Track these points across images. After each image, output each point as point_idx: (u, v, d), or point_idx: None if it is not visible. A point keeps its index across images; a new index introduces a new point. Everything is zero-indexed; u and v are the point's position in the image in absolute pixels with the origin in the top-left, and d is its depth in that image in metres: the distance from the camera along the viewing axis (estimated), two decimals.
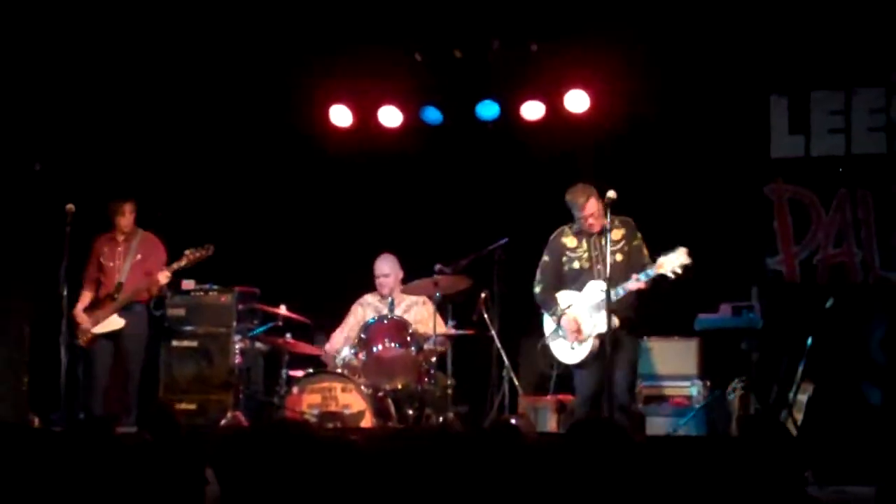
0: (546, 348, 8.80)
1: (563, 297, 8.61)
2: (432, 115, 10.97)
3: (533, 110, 10.76)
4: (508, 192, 10.77)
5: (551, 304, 8.65)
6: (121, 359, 9.60)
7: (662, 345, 9.91)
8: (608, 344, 8.17)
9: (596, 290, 8.39)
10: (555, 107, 10.69)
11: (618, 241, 8.47)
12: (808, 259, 10.38)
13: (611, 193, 8.14)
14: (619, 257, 8.43)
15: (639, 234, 8.56)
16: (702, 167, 10.35)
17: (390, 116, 11.00)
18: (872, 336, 9.71)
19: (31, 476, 4.35)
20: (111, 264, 9.66)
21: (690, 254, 8.16)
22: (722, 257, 9.98)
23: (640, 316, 8.56)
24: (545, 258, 8.76)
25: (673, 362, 9.77)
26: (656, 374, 9.82)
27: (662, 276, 8.19)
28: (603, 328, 8.26)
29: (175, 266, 9.54)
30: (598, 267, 8.44)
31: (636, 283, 8.22)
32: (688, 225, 9.87)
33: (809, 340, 9.04)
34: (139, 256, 9.68)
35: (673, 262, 8.15)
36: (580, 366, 8.58)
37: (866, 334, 9.72)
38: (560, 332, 8.61)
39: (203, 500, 4.35)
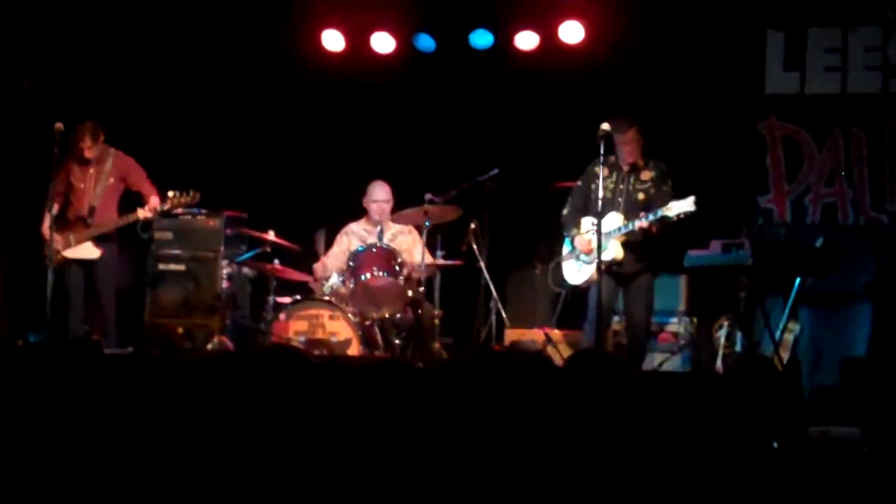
0: (558, 267, 9.09)
1: (586, 221, 8.84)
2: (425, 42, 10.88)
3: (527, 40, 10.68)
4: (500, 122, 10.70)
5: (570, 226, 8.95)
6: (94, 286, 9.41)
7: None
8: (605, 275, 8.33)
9: (611, 220, 8.60)
10: (549, 37, 10.61)
11: (645, 181, 8.77)
12: (799, 198, 10.35)
13: (604, 126, 8.08)
14: (640, 196, 8.72)
15: (669, 182, 8.74)
16: (695, 101, 10.29)
17: (383, 43, 10.91)
18: (859, 279, 9.74)
19: (24, 391, 4.33)
20: (81, 185, 9.41)
21: (698, 203, 8.26)
22: (713, 194, 9.94)
23: (653, 254, 8.72)
24: (578, 183, 9.00)
25: (661, 298, 9.76)
26: None
27: (666, 218, 8.34)
28: (609, 256, 8.48)
29: (158, 207, 9.37)
30: (620, 199, 8.70)
31: (640, 221, 8.44)
32: (680, 160, 9.81)
33: (797, 281, 9.05)
34: (111, 180, 9.43)
35: (681, 207, 8.30)
36: (585, 288, 8.85)
37: (854, 275, 9.75)
38: (574, 253, 8.91)
39: None
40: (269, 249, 9.69)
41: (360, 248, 9.43)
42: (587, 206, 8.87)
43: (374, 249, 9.37)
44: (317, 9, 10.81)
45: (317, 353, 8.78)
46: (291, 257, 9.81)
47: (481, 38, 10.80)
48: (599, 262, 8.11)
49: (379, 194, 9.86)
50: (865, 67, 10.17)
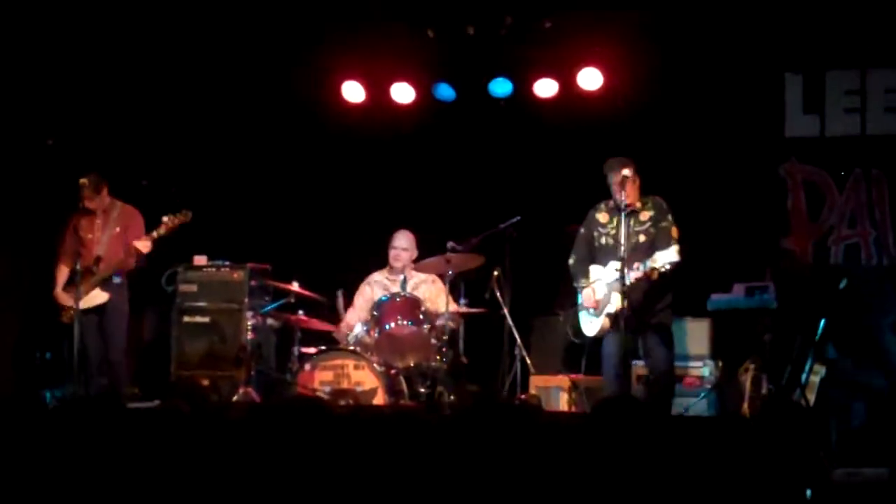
0: (576, 317, 8.94)
1: (594, 270, 8.78)
2: (445, 91, 10.94)
3: (546, 87, 10.73)
4: (521, 169, 10.75)
5: (579, 277, 8.86)
6: (104, 331, 9.37)
7: (675, 325, 9.87)
8: (621, 323, 8.33)
9: (612, 269, 8.51)
10: (568, 84, 10.65)
11: (644, 222, 8.65)
12: (822, 239, 10.34)
13: (625, 171, 8.13)
14: (642, 238, 8.59)
15: (670, 217, 8.64)
16: (716, 146, 10.31)
17: (403, 93, 10.97)
18: (885, 319, 9.70)
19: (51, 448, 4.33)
20: (89, 237, 9.44)
21: (681, 252, 8.20)
22: (735, 237, 9.96)
23: (661, 296, 8.62)
24: (581, 230, 8.93)
25: (686, 342, 9.75)
26: None
27: (654, 269, 8.28)
28: (613, 308, 8.48)
29: (154, 234, 9.35)
30: (622, 245, 8.47)
31: (635, 272, 8.33)
32: (701, 204, 9.85)
33: (822, 322, 9.02)
34: (117, 229, 9.46)
35: (665, 258, 8.22)
36: (598, 340, 8.76)
37: (878, 317, 9.71)
38: (583, 306, 8.81)
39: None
40: (293, 300, 9.72)
41: (383, 298, 9.45)
42: (591, 254, 8.85)
43: (397, 298, 9.39)
44: (337, 60, 10.88)
45: (342, 403, 8.78)
46: (316, 308, 9.83)
47: (500, 87, 10.85)
48: (619, 312, 8.20)
49: (400, 241, 9.90)
50: (885, 109, 10.19)
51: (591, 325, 8.81)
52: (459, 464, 3.80)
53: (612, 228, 8.68)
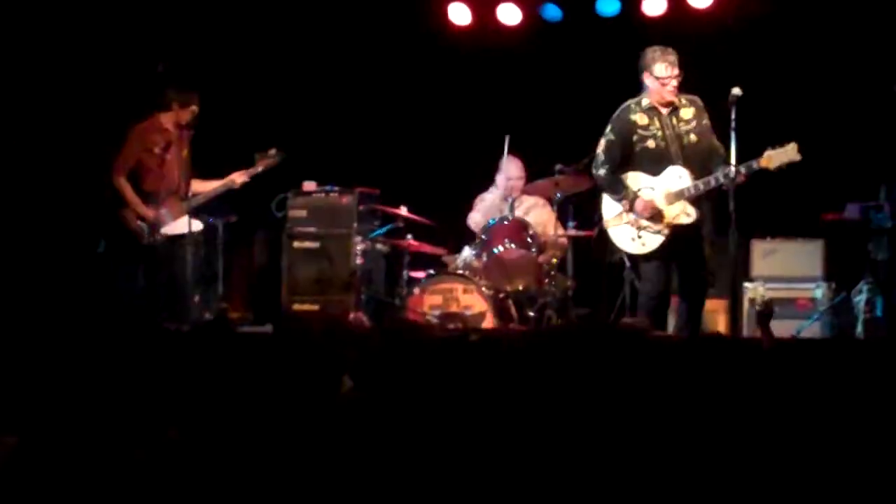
0: (604, 234, 8.38)
1: (634, 179, 8.12)
2: (552, 11, 10.85)
3: (655, 5, 10.56)
4: (629, 89, 10.58)
5: (619, 187, 8.11)
6: (188, 261, 9.06)
7: (786, 246, 9.78)
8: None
9: (675, 176, 7.98)
10: (677, 2, 10.48)
11: (689, 121, 8.06)
12: None
13: (736, 90, 7.77)
14: (692, 138, 8.04)
15: (706, 113, 8.10)
16: (829, 62, 10.08)
17: (509, 14, 10.89)
18: None
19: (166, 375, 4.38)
20: (169, 156, 9.18)
21: (801, 150, 7.70)
22: (850, 155, 9.75)
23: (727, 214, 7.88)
24: (610, 137, 8.17)
25: (797, 264, 9.62)
26: (780, 276, 9.68)
27: (761, 170, 7.73)
28: (683, 219, 7.95)
29: (252, 171, 9.29)
30: (675, 148, 8.00)
31: (740, 175, 7.65)
32: (815, 122, 9.66)
33: None
34: (185, 152, 9.17)
35: (782, 157, 7.67)
36: (648, 258, 8.11)
37: None
38: (626, 218, 8.10)
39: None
40: (401, 225, 9.79)
41: (491, 221, 9.44)
42: (628, 162, 8.10)
43: (505, 222, 9.38)
44: None
45: (451, 326, 8.82)
46: (424, 232, 9.87)
47: (608, 6, 10.73)
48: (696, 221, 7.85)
49: (512, 171, 9.84)
50: None
51: (636, 242, 8.05)
52: (558, 387, 3.78)
53: (657, 130, 8.01)
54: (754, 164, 7.71)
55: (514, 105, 10.86)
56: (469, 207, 10.08)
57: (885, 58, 10.07)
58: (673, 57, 8.04)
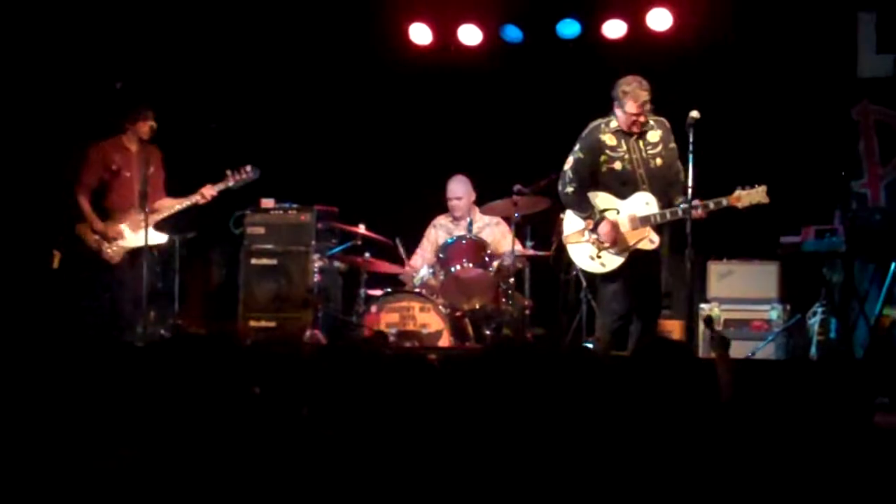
0: (562, 248, 8.43)
1: (602, 199, 8.14)
2: (512, 33, 10.89)
3: (615, 28, 10.63)
4: (588, 111, 10.63)
5: (586, 206, 8.10)
6: (141, 276, 8.94)
7: (742, 267, 9.82)
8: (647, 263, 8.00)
9: (642, 202, 8.01)
10: (637, 25, 10.55)
11: (656, 144, 8.05)
12: (893, 182, 10.19)
13: (694, 113, 7.85)
14: (658, 161, 8.05)
15: (673, 137, 8.10)
16: (786, 87, 10.16)
17: (470, 34, 10.93)
18: None
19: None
20: (128, 174, 9.16)
21: (769, 193, 7.84)
22: (805, 180, 9.83)
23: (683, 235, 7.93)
24: (579, 155, 8.15)
25: (753, 285, 9.68)
26: (736, 298, 9.74)
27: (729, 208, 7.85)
28: (646, 245, 7.99)
29: (222, 185, 9.27)
30: (641, 172, 8.01)
31: (697, 210, 7.75)
32: (771, 146, 9.75)
33: (893, 265, 8.92)
34: (152, 169, 9.15)
35: (752, 197, 7.84)
36: (609, 278, 8.15)
37: None
38: (587, 237, 8.12)
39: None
40: (359, 242, 9.79)
41: (449, 241, 9.48)
42: (595, 181, 8.11)
43: (463, 241, 9.41)
44: (403, 2, 10.85)
45: (408, 344, 8.84)
46: (382, 250, 9.87)
47: (568, 28, 10.78)
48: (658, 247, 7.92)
49: (454, 191, 9.92)
50: None
51: (596, 262, 8.10)
52: (508, 404, 3.79)
53: (625, 153, 8.01)
54: (724, 202, 7.85)
55: (474, 125, 10.89)
56: (426, 225, 10.11)
57: (842, 83, 10.19)
58: (646, 95, 8.00)
